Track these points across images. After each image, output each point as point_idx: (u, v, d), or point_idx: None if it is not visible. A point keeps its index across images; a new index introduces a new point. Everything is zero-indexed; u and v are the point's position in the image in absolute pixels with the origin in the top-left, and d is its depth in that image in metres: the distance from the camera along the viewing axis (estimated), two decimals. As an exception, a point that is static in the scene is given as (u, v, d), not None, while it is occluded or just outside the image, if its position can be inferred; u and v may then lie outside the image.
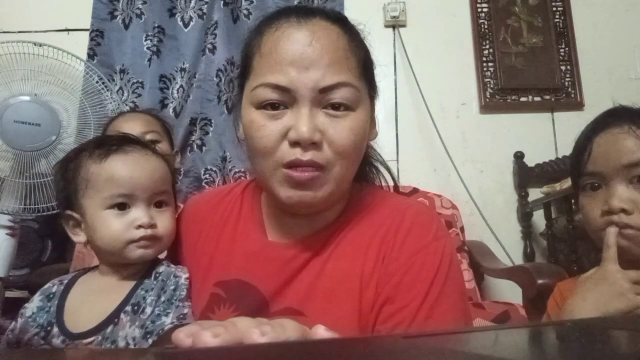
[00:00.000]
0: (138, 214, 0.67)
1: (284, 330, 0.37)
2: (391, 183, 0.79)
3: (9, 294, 1.30)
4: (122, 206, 0.67)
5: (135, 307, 0.65)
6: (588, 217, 0.73)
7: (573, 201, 0.84)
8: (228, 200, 0.74)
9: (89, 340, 0.63)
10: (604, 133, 0.71)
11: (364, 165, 0.71)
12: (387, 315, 0.58)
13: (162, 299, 0.65)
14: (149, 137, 1.31)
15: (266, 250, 0.66)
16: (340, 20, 0.63)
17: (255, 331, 0.35)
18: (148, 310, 0.64)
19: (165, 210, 0.71)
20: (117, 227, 0.67)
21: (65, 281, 0.71)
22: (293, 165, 0.57)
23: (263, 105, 0.59)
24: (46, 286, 0.70)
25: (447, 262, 0.60)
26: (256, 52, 0.61)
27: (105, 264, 0.71)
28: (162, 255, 0.76)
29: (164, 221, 0.70)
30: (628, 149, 0.67)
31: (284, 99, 0.58)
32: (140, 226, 0.67)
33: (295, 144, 0.57)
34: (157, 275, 0.68)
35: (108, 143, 0.70)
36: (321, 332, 0.39)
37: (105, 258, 0.71)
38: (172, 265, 0.71)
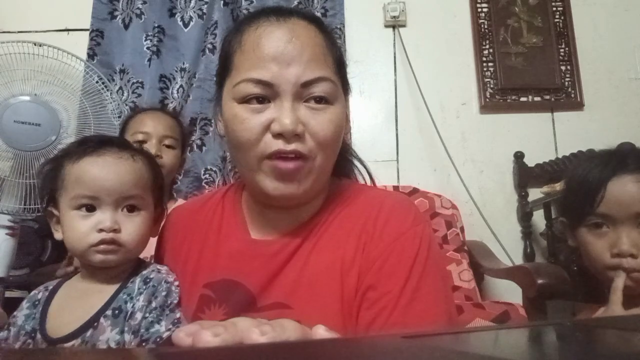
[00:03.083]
0: (102, 217, 0.66)
1: (284, 330, 0.38)
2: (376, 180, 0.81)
3: (9, 294, 1.30)
4: (90, 208, 0.66)
5: (117, 311, 0.64)
6: (594, 254, 0.79)
7: (559, 219, 0.87)
8: (209, 206, 0.75)
9: (69, 344, 0.62)
10: (616, 179, 0.77)
11: (340, 161, 0.73)
12: (371, 302, 0.59)
13: (154, 304, 0.64)
14: (167, 142, 1.39)
15: (250, 248, 0.68)
16: (315, 20, 0.66)
17: (255, 331, 0.35)
18: (138, 316, 0.63)
19: (136, 215, 0.69)
20: (80, 228, 0.66)
21: (50, 287, 0.70)
22: (277, 155, 0.59)
23: (246, 100, 0.61)
24: (32, 293, 0.70)
25: (426, 245, 0.61)
26: (237, 50, 0.64)
27: (84, 266, 0.71)
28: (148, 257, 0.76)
29: (130, 227, 0.68)
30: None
31: (266, 94, 0.60)
32: (102, 230, 0.66)
33: (278, 135, 0.59)
34: (148, 281, 0.67)
35: (86, 144, 0.70)
36: (321, 332, 0.39)
37: (79, 260, 0.70)
38: (162, 269, 0.70)
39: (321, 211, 0.68)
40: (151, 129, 1.38)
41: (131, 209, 0.69)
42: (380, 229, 0.63)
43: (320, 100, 0.62)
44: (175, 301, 0.66)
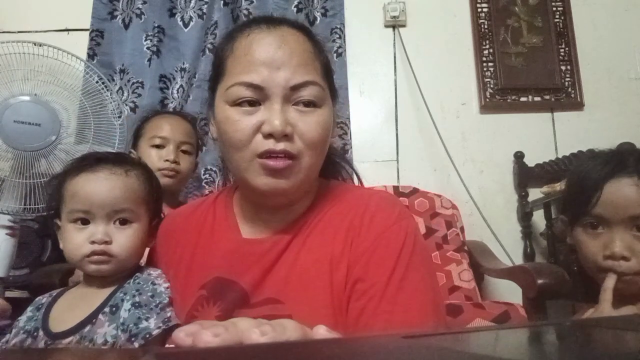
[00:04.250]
0: (94, 229, 0.71)
1: (285, 330, 0.38)
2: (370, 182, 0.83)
3: (9, 294, 1.30)
4: (84, 221, 0.71)
5: (114, 308, 0.68)
6: (588, 255, 0.79)
7: (559, 216, 0.88)
8: (201, 211, 0.78)
9: (68, 340, 0.66)
10: (613, 180, 0.76)
11: (328, 164, 0.76)
12: (359, 293, 0.61)
13: (137, 299, 0.68)
14: (184, 147, 1.41)
15: (242, 247, 0.70)
16: (304, 28, 0.70)
17: (256, 331, 0.36)
18: (122, 310, 0.67)
19: (127, 228, 0.73)
20: (75, 240, 0.71)
21: (55, 294, 0.75)
22: (267, 154, 0.62)
23: (238, 103, 0.64)
24: (37, 298, 0.75)
25: (411, 238, 0.64)
26: (229, 55, 0.67)
27: (84, 274, 0.75)
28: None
29: (121, 239, 0.72)
30: (635, 201, 0.74)
31: (257, 96, 0.63)
32: (94, 242, 0.70)
33: (268, 136, 0.62)
34: (136, 278, 0.72)
35: (85, 160, 0.75)
36: (322, 332, 0.39)
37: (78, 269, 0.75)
38: (153, 272, 0.74)
39: (310, 210, 0.70)
40: (169, 135, 1.39)
41: (123, 222, 0.73)
42: (367, 224, 0.65)
43: (308, 103, 0.64)
44: (165, 301, 0.69)
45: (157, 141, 1.39)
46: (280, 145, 0.62)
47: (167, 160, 1.36)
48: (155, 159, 1.36)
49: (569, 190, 0.86)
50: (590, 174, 0.80)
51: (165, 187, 1.31)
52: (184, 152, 1.41)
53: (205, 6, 1.91)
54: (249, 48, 0.64)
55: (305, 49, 0.67)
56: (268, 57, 0.63)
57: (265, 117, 0.62)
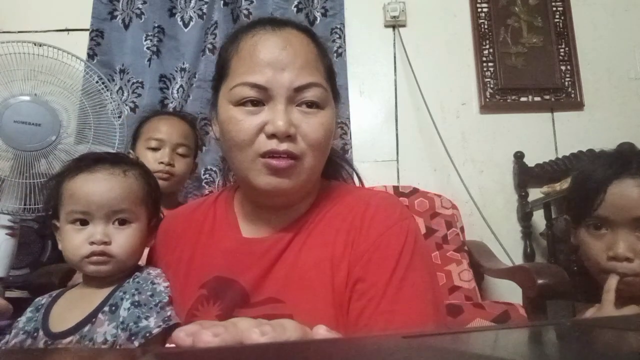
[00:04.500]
0: (93, 230, 0.71)
1: (284, 330, 0.38)
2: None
3: (9, 294, 1.30)
4: (83, 222, 0.71)
5: (113, 307, 0.68)
6: (592, 256, 0.79)
7: (563, 216, 0.88)
8: (201, 211, 0.78)
9: (68, 339, 0.65)
10: (617, 182, 0.76)
11: (329, 165, 0.76)
12: (360, 293, 0.61)
13: (136, 298, 0.68)
14: (180, 150, 1.40)
15: (243, 247, 0.70)
16: (308, 31, 0.71)
17: (256, 331, 0.36)
18: (121, 309, 0.67)
19: (126, 228, 0.73)
20: (74, 241, 0.71)
21: (54, 294, 0.75)
22: (270, 154, 0.63)
23: (241, 102, 0.64)
24: (37, 299, 0.74)
25: (412, 238, 0.64)
26: (234, 56, 0.68)
27: (83, 275, 0.75)
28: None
29: (120, 239, 0.72)
30: (639, 203, 0.75)
31: (261, 97, 0.64)
32: (93, 242, 0.70)
33: (272, 136, 0.63)
34: (135, 278, 0.72)
35: (83, 161, 0.75)
36: (322, 332, 0.39)
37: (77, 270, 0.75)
38: (152, 272, 0.74)
39: (311, 210, 0.71)
40: (165, 136, 1.38)
41: (122, 222, 0.73)
42: (367, 224, 0.65)
43: (311, 104, 0.65)
44: (165, 300, 0.69)
45: (153, 143, 1.38)
46: (283, 146, 0.62)
47: (161, 163, 1.35)
48: (150, 161, 1.35)
49: (573, 191, 0.86)
50: (594, 175, 0.80)
51: (161, 189, 1.32)
52: (180, 154, 1.40)
53: (205, 6, 1.91)
54: (253, 49, 0.65)
55: (309, 50, 0.67)
56: (273, 58, 0.64)
57: (269, 118, 0.63)
